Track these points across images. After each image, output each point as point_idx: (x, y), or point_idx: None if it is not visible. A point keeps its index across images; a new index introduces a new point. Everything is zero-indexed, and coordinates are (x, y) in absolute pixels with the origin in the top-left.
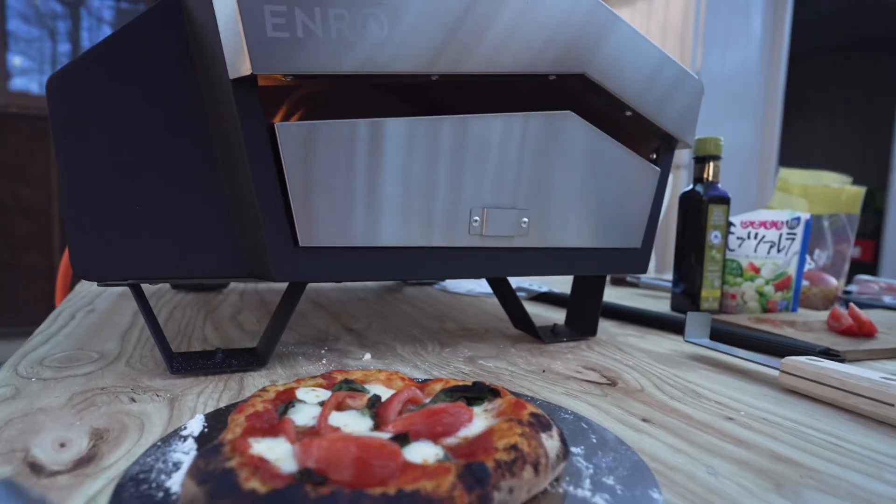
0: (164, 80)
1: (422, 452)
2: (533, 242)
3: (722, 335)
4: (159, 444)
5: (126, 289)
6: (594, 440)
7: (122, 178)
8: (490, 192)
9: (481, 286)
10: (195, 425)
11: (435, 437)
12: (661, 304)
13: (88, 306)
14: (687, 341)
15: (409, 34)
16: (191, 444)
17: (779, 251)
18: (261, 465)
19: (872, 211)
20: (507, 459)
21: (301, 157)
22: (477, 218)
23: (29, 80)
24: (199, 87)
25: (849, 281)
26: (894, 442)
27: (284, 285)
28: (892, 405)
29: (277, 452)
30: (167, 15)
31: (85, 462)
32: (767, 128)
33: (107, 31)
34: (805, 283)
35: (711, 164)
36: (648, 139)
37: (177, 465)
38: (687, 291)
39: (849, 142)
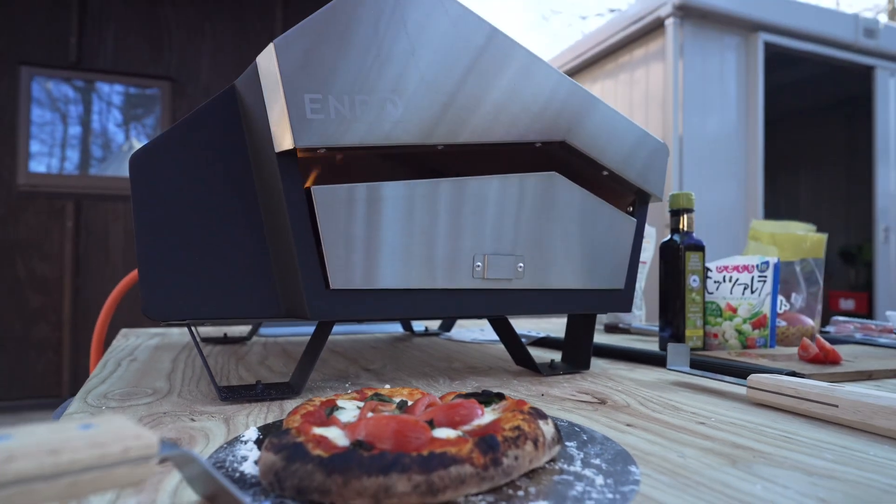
0: (223, 154)
1: (445, 434)
2: (528, 284)
3: (701, 364)
4: (225, 446)
5: (158, 341)
6: (585, 437)
7: (184, 234)
8: (490, 241)
9: (485, 335)
10: (252, 434)
11: (454, 425)
12: (650, 347)
13: (130, 356)
14: (669, 369)
15: (416, 112)
16: (252, 446)
17: (752, 292)
18: (322, 441)
19: (862, 264)
20: (512, 436)
21: (332, 214)
22: (479, 263)
23: (38, 162)
24: (249, 159)
25: (826, 323)
26: (838, 435)
27: (302, 338)
28: (836, 406)
29: (332, 434)
30: (226, 102)
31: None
32: (751, 186)
33: (116, 114)
34: (783, 323)
35: (685, 216)
36: (624, 195)
37: (244, 458)
38: (673, 333)
39: (833, 198)
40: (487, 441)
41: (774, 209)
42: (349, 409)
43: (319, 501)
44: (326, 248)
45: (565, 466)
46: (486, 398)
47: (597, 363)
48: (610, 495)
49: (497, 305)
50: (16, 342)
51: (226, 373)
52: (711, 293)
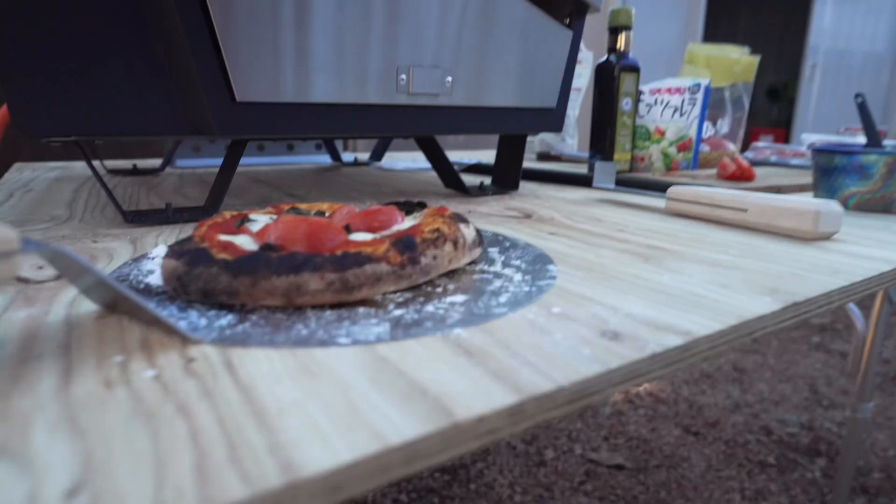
0: None
1: (362, 237)
2: (457, 101)
3: (626, 182)
4: (130, 262)
5: (59, 174)
6: (507, 244)
7: (58, 37)
8: (415, 51)
9: (416, 164)
10: (160, 251)
11: (372, 230)
12: (579, 170)
13: (25, 188)
14: (595, 187)
15: None
16: (160, 262)
17: (681, 115)
18: (228, 246)
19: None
20: (431, 237)
21: (229, 9)
22: (403, 76)
23: None
24: None
25: (746, 149)
26: (745, 236)
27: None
28: (745, 210)
29: (241, 241)
30: None
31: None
32: (692, 25)
33: None
34: (706, 148)
35: (623, 34)
36: (561, 4)
37: (150, 272)
38: (602, 158)
39: (769, 34)
40: (405, 241)
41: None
42: (261, 221)
43: (227, 303)
44: (226, 53)
45: (486, 267)
46: (408, 207)
47: (526, 186)
48: (527, 288)
49: (424, 123)
50: None
51: (135, 201)
52: (642, 116)
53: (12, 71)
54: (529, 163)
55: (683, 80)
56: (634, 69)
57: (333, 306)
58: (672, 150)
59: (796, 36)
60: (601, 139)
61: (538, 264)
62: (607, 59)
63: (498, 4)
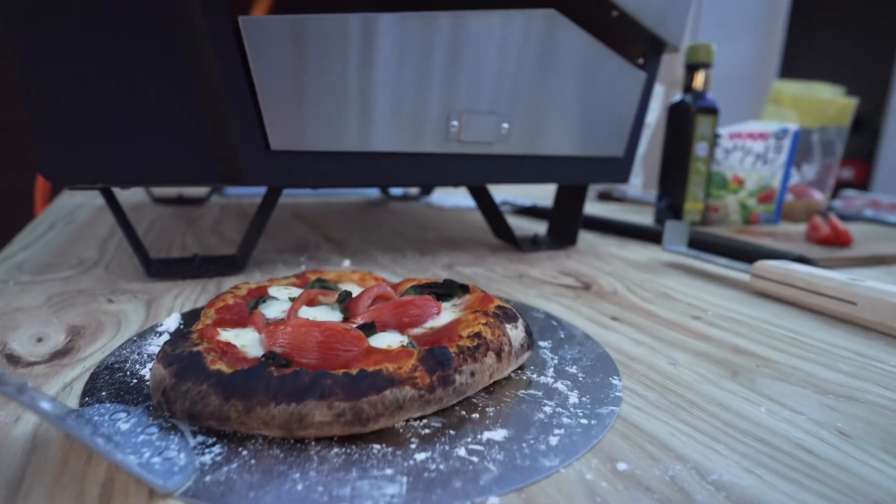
0: None
1: (387, 340)
2: (513, 149)
3: (700, 244)
4: (135, 338)
5: None
6: (562, 335)
7: (88, 80)
8: (468, 95)
9: (467, 200)
10: (171, 322)
11: (402, 328)
12: (645, 219)
13: (68, 217)
14: (665, 249)
15: None
16: (166, 339)
17: (765, 163)
18: (228, 350)
19: (870, 131)
20: (469, 346)
21: (268, 54)
22: (455, 122)
23: None
24: None
25: (834, 196)
26: (854, 338)
27: None
28: (855, 304)
29: (245, 340)
30: None
31: (61, 354)
32: (768, 43)
33: None
34: (790, 197)
35: (702, 72)
36: (635, 42)
37: (151, 357)
38: (670, 205)
39: (850, 59)
40: (436, 355)
41: (787, 72)
42: (280, 301)
43: (217, 428)
44: (263, 99)
45: (535, 377)
46: (447, 290)
47: (585, 237)
48: (584, 420)
49: (475, 173)
50: None
51: (168, 241)
52: (719, 163)
53: (37, 115)
54: (590, 203)
55: (768, 125)
56: (712, 111)
57: (343, 438)
58: (752, 202)
59: (883, 61)
60: (671, 184)
61: (599, 375)
62: (682, 98)
63: (562, 43)
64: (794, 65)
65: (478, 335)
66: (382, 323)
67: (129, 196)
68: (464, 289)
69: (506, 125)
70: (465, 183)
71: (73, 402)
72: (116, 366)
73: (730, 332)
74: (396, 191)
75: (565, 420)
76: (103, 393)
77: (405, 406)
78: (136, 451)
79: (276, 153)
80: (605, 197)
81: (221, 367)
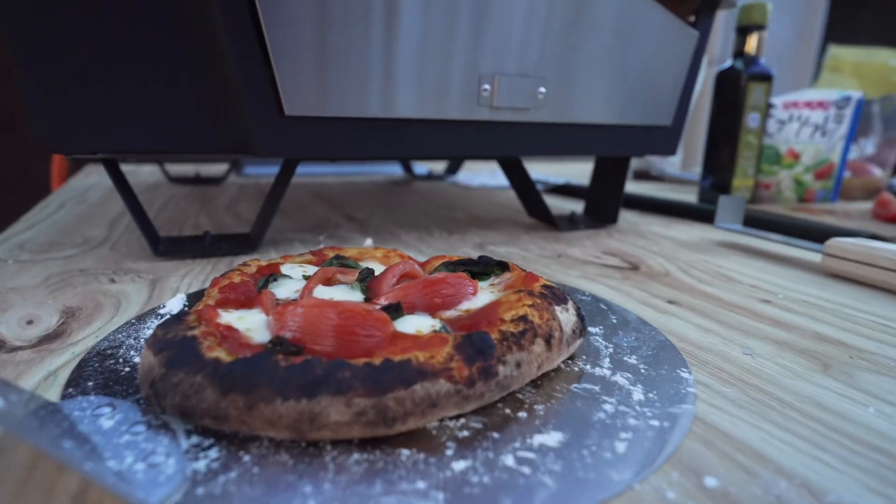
0: None
1: (416, 324)
2: (551, 117)
3: (756, 222)
4: (133, 321)
5: None
6: (614, 320)
7: (86, 41)
8: (502, 55)
9: (495, 179)
10: (175, 304)
11: (432, 310)
12: (686, 198)
13: (79, 197)
14: (718, 227)
15: None
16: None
17: (823, 135)
18: (228, 335)
19: None
20: (514, 331)
21: (281, 9)
22: (487, 86)
23: None
24: None
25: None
26: None
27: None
28: None
29: (249, 323)
30: None
31: (51, 338)
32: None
33: None
34: (846, 173)
35: (755, 34)
36: None
37: None
38: (717, 183)
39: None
40: (475, 342)
41: (832, 41)
42: (294, 280)
43: (214, 427)
44: (276, 58)
45: (588, 368)
46: (483, 269)
47: (625, 216)
48: (654, 422)
49: (509, 144)
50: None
51: (181, 220)
52: (771, 135)
53: (31, 78)
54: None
55: (828, 93)
56: (766, 78)
57: (364, 441)
58: (808, 178)
59: None
60: (718, 160)
61: (664, 367)
62: (732, 64)
63: None
64: (840, 32)
65: (523, 319)
66: (410, 304)
67: (146, 176)
68: (502, 266)
69: (543, 89)
70: (497, 155)
71: (54, 393)
72: (109, 352)
73: (808, 318)
74: (421, 169)
75: (632, 421)
76: (89, 383)
77: (439, 403)
78: (118, 454)
79: (290, 120)
80: (641, 176)
81: (220, 354)
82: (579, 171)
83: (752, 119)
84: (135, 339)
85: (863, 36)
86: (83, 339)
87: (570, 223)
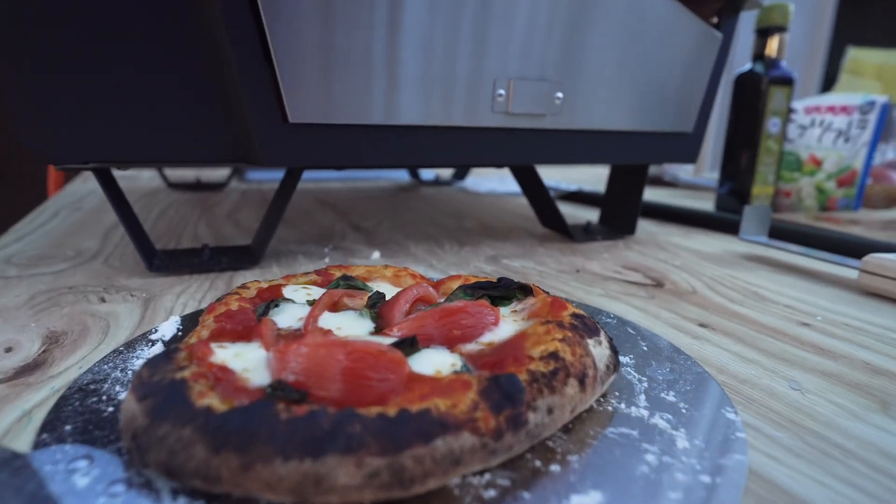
0: None
1: (434, 362)
2: (568, 124)
3: (782, 233)
4: (122, 349)
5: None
6: (645, 348)
7: (77, 45)
8: (518, 59)
9: (504, 185)
10: (168, 328)
11: (451, 343)
12: (702, 205)
13: (75, 205)
14: (742, 239)
15: None
16: (159, 350)
17: (846, 141)
18: (222, 377)
19: None
20: (544, 371)
21: (285, 10)
22: (502, 91)
23: None
24: None
25: None
26: None
27: None
28: None
29: (247, 360)
30: None
31: (29, 370)
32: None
33: None
34: (867, 180)
35: (776, 37)
36: None
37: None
38: (735, 190)
39: None
40: (503, 386)
41: (841, 43)
42: (297, 305)
43: (204, 490)
44: (279, 64)
45: (623, 407)
46: (504, 292)
47: (642, 226)
48: (705, 478)
49: (524, 152)
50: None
51: (178, 230)
52: (791, 141)
53: (16, 82)
54: None
55: (851, 97)
56: (787, 82)
57: None
58: (830, 185)
59: None
60: (736, 166)
61: (706, 406)
62: (752, 68)
63: None
64: (848, 34)
65: (554, 356)
66: (426, 336)
67: (145, 182)
68: (525, 290)
69: (560, 94)
70: (512, 162)
71: (26, 439)
72: (92, 387)
73: (853, 345)
74: (428, 175)
75: (679, 476)
76: (67, 427)
77: (462, 460)
78: None
79: (294, 127)
80: (654, 181)
81: (212, 401)
82: (591, 177)
83: (772, 124)
84: (122, 370)
85: (872, 37)
86: (65, 370)
87: (585, 234)
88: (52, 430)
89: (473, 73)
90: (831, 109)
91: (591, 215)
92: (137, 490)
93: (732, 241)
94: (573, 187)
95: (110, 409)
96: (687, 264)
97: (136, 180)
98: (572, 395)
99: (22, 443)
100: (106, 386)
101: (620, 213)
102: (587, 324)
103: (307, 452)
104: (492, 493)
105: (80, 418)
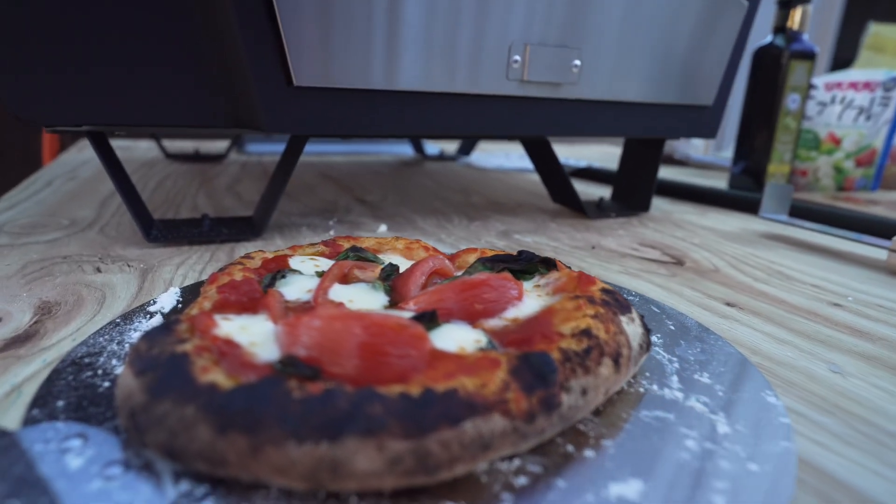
0: None
1: (456, 338)
2: (584, 93)
3: (803, 213)
4: (118, 321)
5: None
6: (671, 327)
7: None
8: (535, 23)
9: (511, 162)
10: (167, 300)
11: (473, 318)
12: (714, 184)
13: (70, 173)
14: (763, 217)
15: None
16: (157, 322)
17: (867, 119)
18: (227, 351)
19: None
20: (577, 349)
21: None
22: (518, 57)
23: None
24: None
25: None
26: None
27: None
28: None
29: (253, 334)
30: None
31: (20, 341)
32: None
33: None
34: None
35: (799, 9)
36: None
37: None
38: (750, 168)
39: None
40: (534, 365)
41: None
42: (305, 277)
43: (209, 473)
44: (284, 22)
45: (655, 389)
46: (526, 266)
47: (655, 203)
48: (753, 467)
49: (538, 122)
50: None
51: (177, 201)
52: (810, 118)
53: (6, 42)
54: None
55: (874, 73)
56: (809, 56)
57: (399, 493)
58: (848, 165)
59: None
60: (751, 145)
61: (743, 388)
62: (772, 41)
63: None
64: (861, 8)
65: (586, 333)
66: (445, 311)
67: (142, 153)
68: (547, 264)
69: (577, 62)
70: (525, 133)
71: (15, 415)
72: (87, 360)
73: (889, 326)
74: (432, 150)
75: (724, 464)
76: (59, 402)
77: (492, 444)
78: None
79: (299, 91)
80: (665, 160)
81: (217, 377)
82: (598, 154)
83: (791, 100)
84: (118, 343)
85: (884, 11)
86: (58, 342)
87: (598, 210)
88: (43, 405)
89: (488, 38)
90: (853, 86)
91: (601, 192)
92: (136, 473)
93: (750, 220)
94: (582, 163)
95: (106, 384)
96: (706, 242)
97: (133, 151)
98: (606, 376)
99: (10, 419)
100: (101, 359)
101: (634, 189)
102: (619, 300)
103: (323, 435)
104: (523, 480)
105: (73, 394)
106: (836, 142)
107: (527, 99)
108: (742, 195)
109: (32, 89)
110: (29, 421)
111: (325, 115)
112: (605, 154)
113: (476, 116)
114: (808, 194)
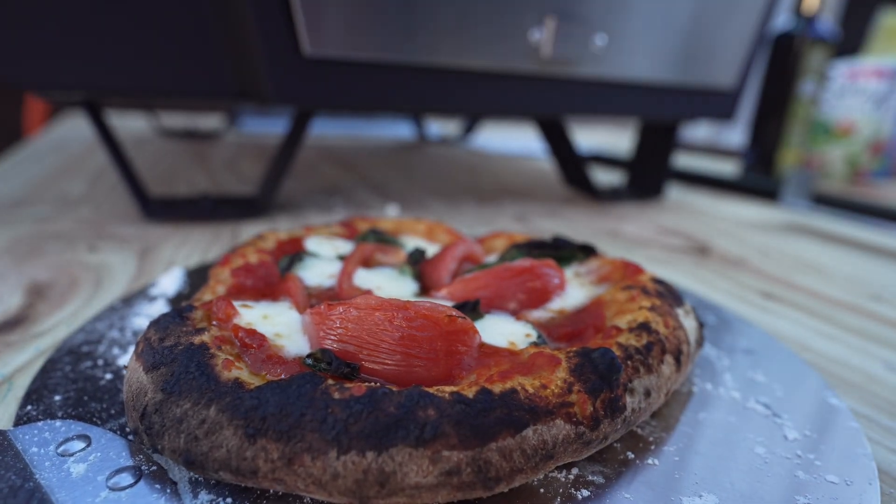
0: None
1: (503, 331)
2: (605, 72)
3: (825, 201)
4: (118, 305)
5: None
6: (713, 319)
7: None
8: None
9: (515, 145)
10: (170, 282)
11: (518, 309)
12: (723, 170)
13: (59, 147)
14: (785, 203)
15: None
16: (162, 307)
17: (882, 107)
18: (250, 343)
19: None
20: (637, 345)
21: None
22: (538, 33)
23: None
24: None
25: None
26: None
27: None
28: None
29: (277, 324)
30: None
31: (9, 326)
32: None
33: None
34: None
35: None
36: None
37: (138, 335)
38: (760, 155)
39: None
40: (597, 363)
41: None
42: (324, 260)
43: (235, 483)
44: None
45: (709, 388)
46: (564, 252)
47: (666, 189)
48: (833, 478)
49: (556, 100)
50: None
51: (172, 178)
52: (825, 106)
53: None
54: None
55: (889, 61)
56: (828, 41)
57: None
58: (861, 153)
59: None
60: (765, 129)
61: (802, 389)
62: (790, 26)
63: None
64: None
65: (645, 327)
66: (487, 300)
67: (134, 129)
68: (586, 250)
69: (600, 39)
70: (543, 111)
71: (7, 412)
72: (85, 348)
73: None
74: (434, 132)
75: (800, 475)
76: (56, 397)
77: (556, 453)
78: None
79: (308, 61)
80: None
81: (241, 374)
82: (601, 140)
83: (807, 87)
84: (119, 330)
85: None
86: (52, 328)
87: (611, 195)
88: (38, 400)
89: (507, 8)
90: (870, 73)
91: (611, 178)
92: (147, 482)
93: (768, 208)
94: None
95: (108, 376)
96: (729, 230)
97: (124, 127)
98: (668, 375)
99: (1, 416)
100: (101, 348)
101: (648, 174)
102: (672, 291)
103: (369, 444)
104: (585, 492)
105: (72, 387)
106: (850, 130)
107: (546, 76)
108: (761, 183)
109: (18, 52)
110: (22, 419)
111: (333, 87)
112: (608, 141)
113: (492, 92)
114: (825, 183)
